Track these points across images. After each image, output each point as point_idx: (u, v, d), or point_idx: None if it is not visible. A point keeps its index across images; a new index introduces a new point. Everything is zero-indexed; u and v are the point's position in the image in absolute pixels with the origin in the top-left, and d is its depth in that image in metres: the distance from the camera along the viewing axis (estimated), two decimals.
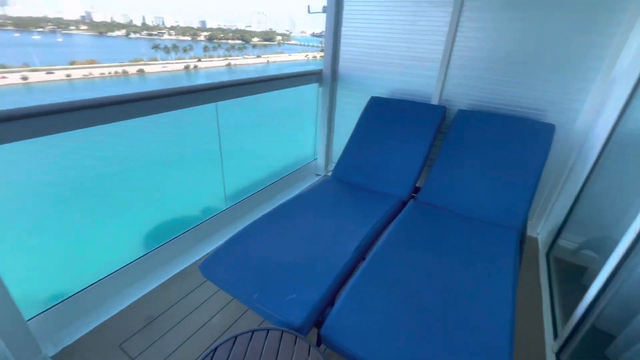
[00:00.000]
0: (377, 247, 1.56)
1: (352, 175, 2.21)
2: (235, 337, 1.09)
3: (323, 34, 2.71)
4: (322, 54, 2.79)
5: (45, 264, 1.83)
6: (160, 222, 2.30)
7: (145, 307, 1.62)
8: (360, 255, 1.55)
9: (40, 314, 1.41)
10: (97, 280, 1.61)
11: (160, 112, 1.67)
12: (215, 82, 1.91)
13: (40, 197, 1.95)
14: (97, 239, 2.09)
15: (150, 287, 1.73)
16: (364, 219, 1.77)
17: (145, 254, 1.82)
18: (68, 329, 1.47)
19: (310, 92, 2.90)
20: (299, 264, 1.42)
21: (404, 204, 2.01)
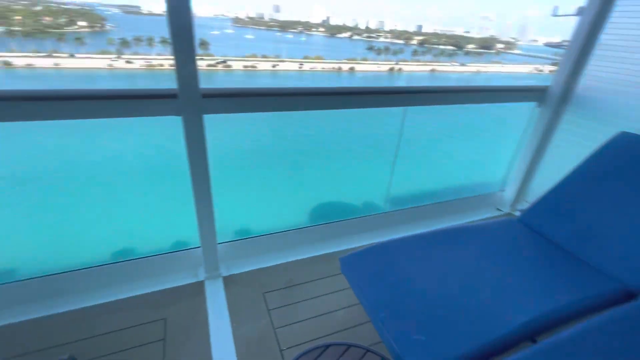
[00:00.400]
0: (562, 337, 1.11)
1: (552, 226, 1.67)
2: (349, 346, 1.06)
3: (564, 43, 2.13)
4: (552, 67, 2.21)
5: (241, 205, 2.38)
6: (327, 202, 2.54)
7: (291, 271, 1.83)
8: (528, 334, 1.16)
9: (226, 242, 1.83)
10: (268, 232, 1.94)
11: (366, 107, 1.82)
12: (414, 86, 1.86)
13: (258, 155, 2.55)
14: (282, 198, 2.54)
15: (301, 256, 1.94)
16: (551, 290, 1.30)
17: (307, 227, 2.04)
18: (238, 261, 1.85)
19: (521, 110, 2.38)
20: (444, 306, 1.20)
21: (630, 296, 1.35)
